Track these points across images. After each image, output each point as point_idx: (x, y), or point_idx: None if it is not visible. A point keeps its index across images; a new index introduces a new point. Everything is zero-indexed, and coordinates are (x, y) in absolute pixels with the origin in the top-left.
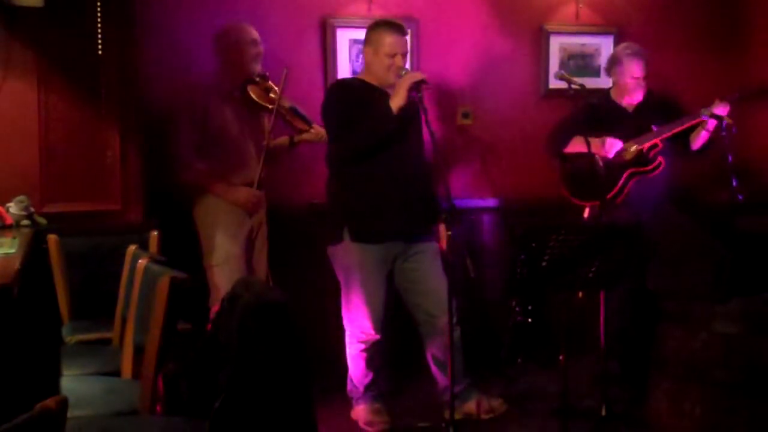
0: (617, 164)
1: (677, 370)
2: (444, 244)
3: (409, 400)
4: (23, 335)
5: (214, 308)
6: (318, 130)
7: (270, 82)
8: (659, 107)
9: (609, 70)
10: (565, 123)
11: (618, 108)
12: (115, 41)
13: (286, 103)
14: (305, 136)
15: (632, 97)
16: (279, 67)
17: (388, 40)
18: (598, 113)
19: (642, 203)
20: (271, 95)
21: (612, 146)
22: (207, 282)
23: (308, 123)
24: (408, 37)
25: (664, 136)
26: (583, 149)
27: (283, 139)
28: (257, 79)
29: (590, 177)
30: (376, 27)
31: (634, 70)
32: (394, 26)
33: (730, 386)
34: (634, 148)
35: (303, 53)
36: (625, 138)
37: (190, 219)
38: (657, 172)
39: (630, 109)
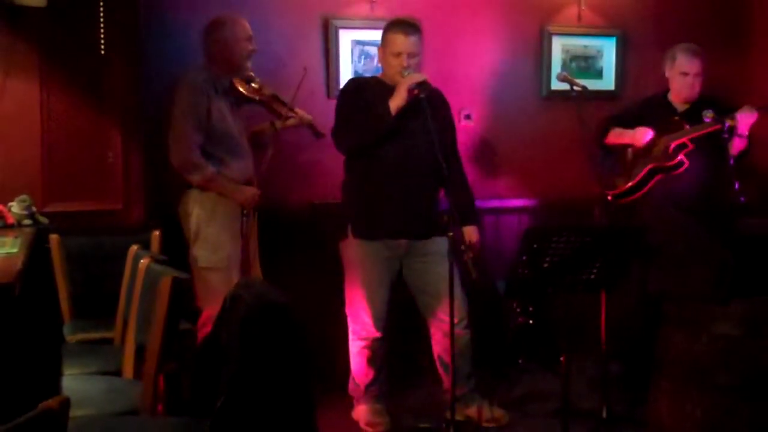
0: (644, 157)
1: (678, 371)
2: (477, 244)
3: (411, 400)
4: (25, 334)
5: (207, 311)
6: (301, 114)
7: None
8: (712, 110)
9: (665, 67)
10: (612, 116)
11: (669, 107)
12: (117, 41)
13: (268, 91)
14: (290, 122)
15: (681, 94)
16: (280, 67)
17: (395, 39)
18: (649, 110)
19: (671, 208)
20: (253, 85)
21: (644, 134)
22: (195, 281)
23: (290, 108)
24: (416, 38)
25: (691, 136)
26: (621, 140)
27: (264, 125)
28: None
29: (616, 165)
30: (387, 27)
31: (684, 65)
32: (403, 26)
33: (730, 388)
34: (661, 142)
35: (305, 54)
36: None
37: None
38: (679, 170)
39: (680, 110)
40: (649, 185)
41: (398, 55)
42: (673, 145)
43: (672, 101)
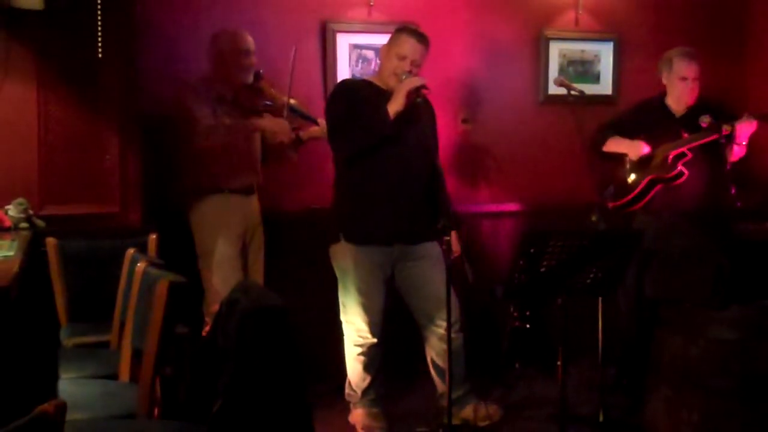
0: (643, 167)
1: (675, 376)
2: (458, 250)
3: (407, 404)
4: (21, 338)
5: (211, 309)
6: (323, 125)
7: (262, 82)
8: (709, 114)
9: (661, 72)
10: (609, 122)
11: (667, 112)
12: (115, 44)
13: (286, 100)
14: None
15: (681, 100)
16: (278, 72)
17: (405, 42)
18: (646, 115)
19: (671, 213)
20: (262, 97)
21: (640, 148)
22: (202, 284)
23: (314, 120)
24: (425, 48)
25: (690, 145)
26: (618, 149)
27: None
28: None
29: (616, 178)
30: (400, 29)
31: (682, 70)
32: (417, 33)
33: (727, 393)
34: (660, 152)
35: (303, 58)
36: (667, 142)
37: (187, 222)
38: (678, 181)
39: (678, 114)
40: (649, 196)
41: (403, 58)
42: (671, 156)
43: (670, 106)
